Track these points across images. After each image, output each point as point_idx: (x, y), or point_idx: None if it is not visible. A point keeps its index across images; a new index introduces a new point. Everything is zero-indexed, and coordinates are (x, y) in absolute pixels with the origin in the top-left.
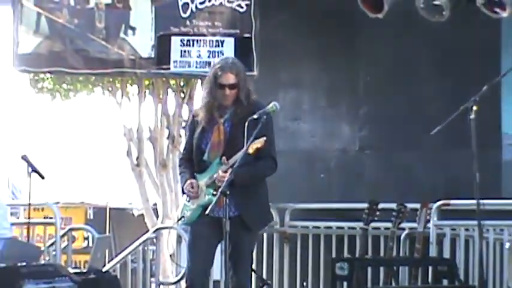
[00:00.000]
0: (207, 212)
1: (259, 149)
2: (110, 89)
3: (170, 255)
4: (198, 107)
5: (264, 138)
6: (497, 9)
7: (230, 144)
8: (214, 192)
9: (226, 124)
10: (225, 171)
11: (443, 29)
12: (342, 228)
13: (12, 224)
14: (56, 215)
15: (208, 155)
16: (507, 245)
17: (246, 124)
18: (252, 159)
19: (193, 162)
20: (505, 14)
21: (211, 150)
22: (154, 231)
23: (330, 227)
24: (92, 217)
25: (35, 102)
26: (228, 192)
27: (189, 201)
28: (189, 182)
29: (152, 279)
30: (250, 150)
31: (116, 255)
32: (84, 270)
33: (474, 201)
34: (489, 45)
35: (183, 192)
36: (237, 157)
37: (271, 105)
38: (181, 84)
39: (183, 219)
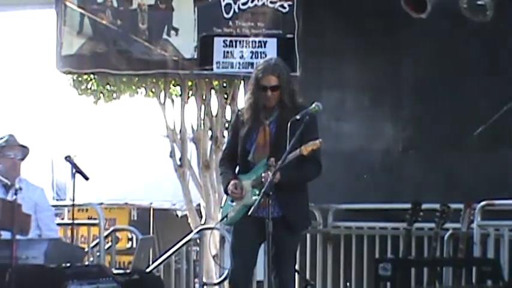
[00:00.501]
0: (249, 212)
1: (314, 151)
2: (153, 90)
3: (213, 256)
4: (243, 107)
5: (320, 140)
6: None
7: (275, 146)
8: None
9: (272, 126)
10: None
11: (488, 29)
12: (385, 228)
13: (57, 225)
14: (99, 216)
15: (253, 156)
16: None
17: (289, 125)
18: (298, 162)
19: (234, 162)
20: None
21: (256, 152)
22: (197, 232)
23: (373, 228)
24: (135, 218)
25: (79, 104)
26: (270, 193)
27: (232, 202)
28: (232, 182)
29: (196, 279)
30: (305, 152)
31: (160, 256)
32: (128, 271)
33: None
34: None
35: (226, 192)
36: (283, 159)
37: (313, 105)
38: (224, 85)
39: (225, 219)
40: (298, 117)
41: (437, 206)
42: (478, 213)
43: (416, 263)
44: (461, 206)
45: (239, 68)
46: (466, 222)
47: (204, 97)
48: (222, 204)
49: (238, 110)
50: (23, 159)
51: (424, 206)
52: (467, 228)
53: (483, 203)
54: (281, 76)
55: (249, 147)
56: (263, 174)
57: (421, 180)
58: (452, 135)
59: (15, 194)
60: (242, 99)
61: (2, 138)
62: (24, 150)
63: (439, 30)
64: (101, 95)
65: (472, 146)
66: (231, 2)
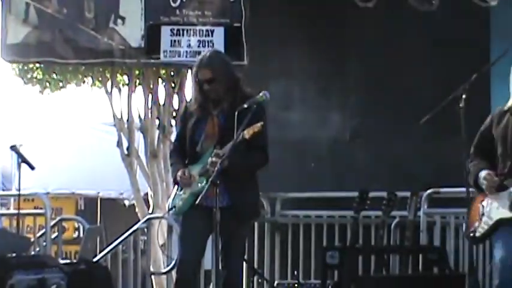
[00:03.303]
0: (197, 201)
1: (256, 134)
2: (100, 79)
3: (160, 246)
4: (190, 99)
5: (261, 123)
6: None
7: (224, 135)
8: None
9: (221, 116)
10: (217, 158)
11: (433, 18)
12: (333, 217)
13: (2, 215)
14: (46, 206)
15: (202, 145)
16: None
17: (236, 114)
18: (244, 150)
19: (184, 154)
20: (494, 3)
21: (204, 141)
22: (145, 221)
23: (321, 216)
24: (82, 207)
25: (24, 93)
26: (218, 182)
27: (180, 191)
28: (181, 170)
29: (143, 269)
30: (247, 135)
31: (107, 246)
32: (75, 261)
33: (464, 189)
34: (479, 34)
35: (175, 183)
36: (230, 146)
37: (261, 94)
38: (172, 74)
39: (174, 209)
40: (245, 106)
41: (384, 194)
42: (424, 201)
43: (364, 251)
44: (407, 194)
45: (186, 56)
46: (413, 210)
47: (151, 86)
48: (172, 195)
49: (187, 102)
50: None
51: (371, 194)
52: (413, 216)
53: (429, 191)
54: (216, 68)
55: (197, 138)
56: (208, 161)
57: (368, 168)
58: (399, 124)
59: None
60: (190, 88)
61: None
62: None
63: (385, 18)
64: (47, 84)
65: (418, 134)
66: None
